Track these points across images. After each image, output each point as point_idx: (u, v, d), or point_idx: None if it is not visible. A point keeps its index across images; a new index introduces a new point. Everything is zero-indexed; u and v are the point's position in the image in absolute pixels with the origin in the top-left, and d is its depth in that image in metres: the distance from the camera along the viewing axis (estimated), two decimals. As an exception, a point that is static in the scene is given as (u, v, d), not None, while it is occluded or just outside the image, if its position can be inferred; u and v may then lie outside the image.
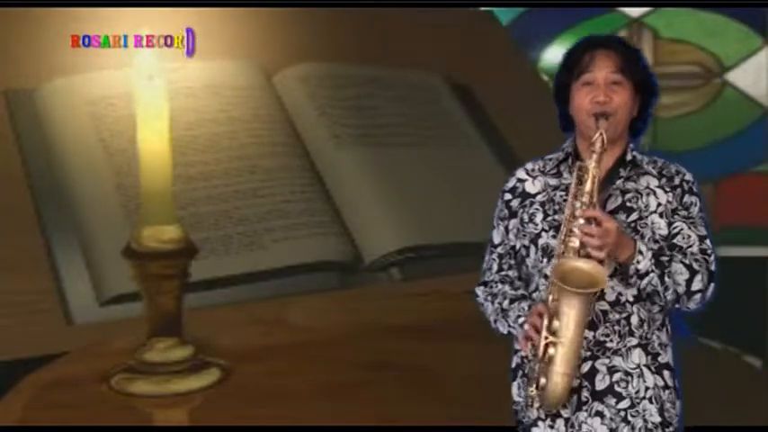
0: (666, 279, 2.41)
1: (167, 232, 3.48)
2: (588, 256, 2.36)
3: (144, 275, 3.48)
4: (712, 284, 2.46)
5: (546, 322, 2.37)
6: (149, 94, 3.43)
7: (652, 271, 2.40)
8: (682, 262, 2.43)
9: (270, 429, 3.26)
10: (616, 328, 2.46)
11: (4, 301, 4.11)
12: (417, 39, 5.47)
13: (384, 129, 5.13)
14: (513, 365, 2.57)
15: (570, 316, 2.35)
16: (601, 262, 2.36)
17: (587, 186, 2.38)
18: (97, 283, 4.28)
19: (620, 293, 2.45)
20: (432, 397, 3.42)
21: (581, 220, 2.36)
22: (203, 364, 3.57)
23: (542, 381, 2.39)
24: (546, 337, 2.37)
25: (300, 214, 4.62)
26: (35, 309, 4.13)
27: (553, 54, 6.68)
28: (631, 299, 2.46)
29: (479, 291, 2.62)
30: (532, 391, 2.42)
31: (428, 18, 5.59)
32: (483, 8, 6.06)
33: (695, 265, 2.43)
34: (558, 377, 2.38)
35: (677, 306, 2.47)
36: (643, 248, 2.40)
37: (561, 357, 2.37)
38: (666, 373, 2.50)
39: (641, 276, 2.41)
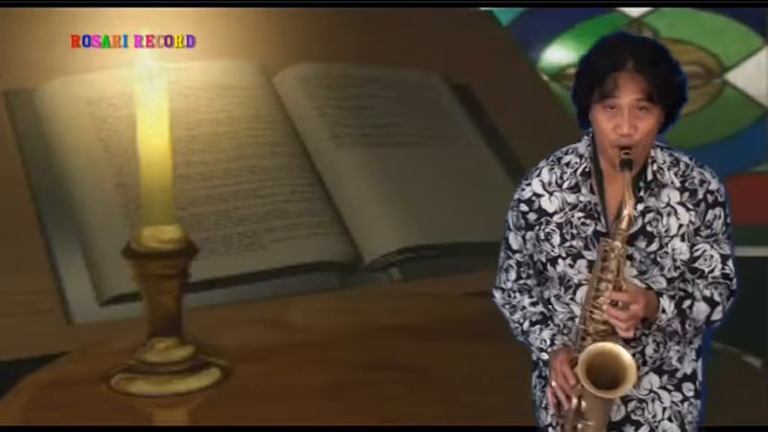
0: (687, 325, 2.36)
1: (167, 232, 3.47)
2: (614, 332, 2.31)
3: (144, 275, 3.48)
4: (731, 300, 2.40)
5: (575, 403, 2.33)
6: (149, 94, 3.42)
7: (674, 320, 2.34)
8: (703, 298, 2.36)
9: (270, 429, 3.26)
10: None
11: (4, 301, 4.11)
12: (417, 39, 5.47)
13: (384, 129, 5.13)
14: (534, 358, 2.52)
15: (597, 403, 2.33)
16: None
17: (612, 265, 2.29)
18: (97, 283, 4.28)
19: (635, 327, 2.36)
20: (432, 397, 3.42)
21: (608, 302, 2.29)
22: (203, 364, 3.57)
23: None
24: (574, 419, 2.34)
25: (300, 214, 4.62)
26: (35, 309, 4.13)
27: (553, 54, 6.68)
28: (646, 331, 2.39)
29: (497, 295, 2.55)
30: None
31: (428, 18, 5.59)
32: (483, 8, 6.06)
33: (716, 296, 2.37)
34: None
35: (695, 333, 2.42)
36: (666, 306, 2.32)
37: None
38: (686, 385, 2.45)
39: (663, 327, 2.36)
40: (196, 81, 4.92)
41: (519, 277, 2.51)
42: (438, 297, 4.35)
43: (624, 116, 2.26)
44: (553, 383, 2.37)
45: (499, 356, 3.62)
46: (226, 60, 5.06)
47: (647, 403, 2.43)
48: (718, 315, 2.38)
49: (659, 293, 2.33)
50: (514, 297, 2.52)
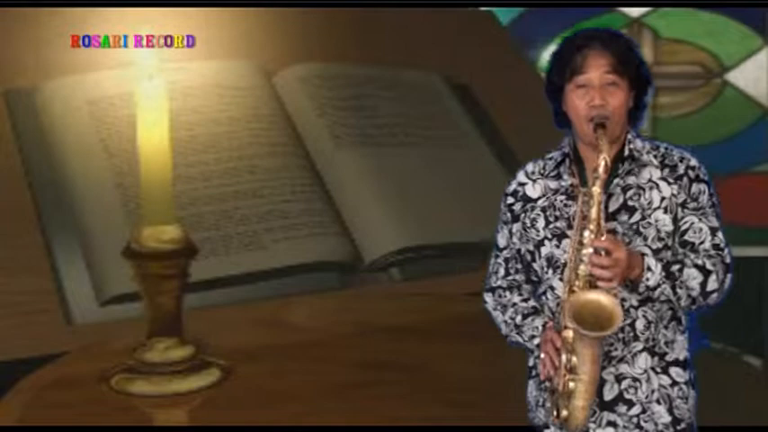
0: (679, 289, 2.38)
1: (167, 232, 3.47)
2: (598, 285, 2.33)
3: (144, 275, 3.48)
4: (729, 276, 2.41)
5: (564, 360, 2.35)
6: (149, 94, 3.42)
7: (663, 283, 2.36)
8: (695, 265, 2.38)
9: (270, 429, 3.26)
10: (620, 335, 2.43)
11: (4, 301, 4.11)
12: (417, 39, 5.47)
13: (384, 129, 5.13)
14: (531, 364, 2.55)
15: (587, 354, 2.35)
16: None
17: (593, 213, 2.35)
18: (97, 283, 4.28)
19: (623, 299, 2.41)
20: (432, 397, 3.42)
21: (590, 250, 2.33)
22: (203, 364, 3.57)
23: (564, 413, 2.39)
24: (565, 374, 2.36)
25: (300, 214, 4.62)
26: (35, 309, 4.13)
27: (553, 54, 6.67)
28: (636, 303, 2.43)
29: (488, 297, 2.60)
30: (554, 421, 2.42)
31: (428, 18, 5.59)
32: (483, 8, 6.06)
33: (708, 265, 2.39)
34: (579, 410, 2.39)
35: (694, 307, 2.42)
36: (652, 264, 2.36)
37: (581, 392, 2.37)
38: (674, 369, 2.47)
39: (652, 290, 2.38)
40: (196, 81, 4.93)
41: (507, 273, 2.57)
42: (438, 297, 4.36)
43: (596, 89, 2.39)
44: (542, 355, 2.41)
45: (499, 357, 3.63)
46: (226, 60, 5.06)
47: (640, 383, 2.45)
48: (713, 284, 2.39)
49: (644, 254, 2.38)
50: (504, 296, 2.56)
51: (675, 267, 2.38)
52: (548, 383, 2.43)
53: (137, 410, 3.48)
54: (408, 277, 4.61)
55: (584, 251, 2.34)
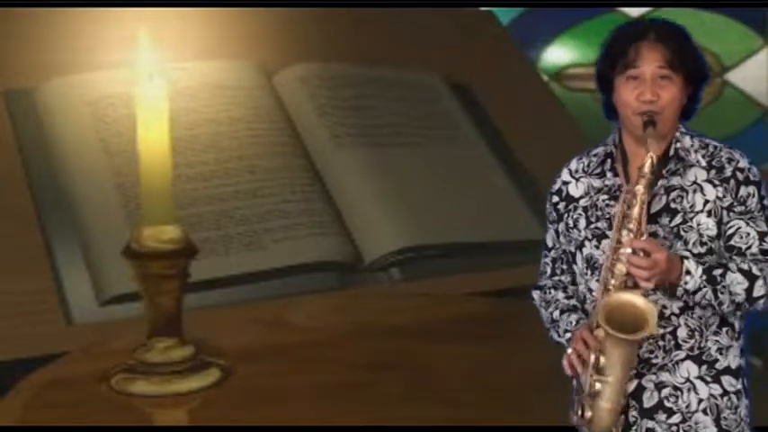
0: (721, 294, 2.30)
1: (167, 232, 3.47)
2: (635, 285, 2.28)
3: (144, 275, 3.48)
4: None
5: (593, 359, 2.30)
6: (149, 94, 3.42)
7: (704, 287, 2.29)
8: (739, 270, 2.30)
9: (270, 429, 3.26)
10: (660, 343, 2.37)
11: (4, 301, 4.11)
12: (417, 38, 5.47)
13: (384, 129, 5.12)
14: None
15: (616, 355, 2.30)
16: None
17: (635, 212, 2.29)
18: (97, 283, 4.28)
19: (663, 306, 2.35)
20: (432, 397, 3.42)
21: (628, 250, 2.27)
22: (203, 364, 3.57)
23: (588, 414, 2.34)
24: (592, 375, 2.31)
25: (300, 214, 4.62)
26: (35, 309, 4.13)
27: (553, 54, 6.68)
28: (677, 311, 2.36)
29: (536, 294, 2.56)
30: (577, 419, 2.37)
31: (428, 18, 5.59)
32: (483, 8, 6.06)
33: (755, 270, 2.31)
34: (605, 412, 2.34)
35: (739, 313, 2.36)
36: (692, 268, 2.29)
37: (608, 394, 2.32)
38: (726, 378, 2.40)
39: (691, 294, 2.30)
40: (196, 81, 4.92)
41: (554, 273, 2.53)
42: (438, 297, 4.35)
43: (647, 84, 2.31)
44: (569, 350, 2.37)
45: (499, 357, 3.63)
46: (226, 60, 5.06)
47: (682, 392, 2.38)
48: (760, 290, 2.31)
49: (684, 257, 2.30)
50: (549, 293, 2.53)
51: (718, 272, 2.30)
52: (573, 382, 2.39)
53: (137, 410, 3.48)
54: (408, 277, 4.60)
55: (623, 251, 2.28)
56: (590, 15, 6.52)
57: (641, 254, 2.27)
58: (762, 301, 2.33)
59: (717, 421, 2.39)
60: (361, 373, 3.61)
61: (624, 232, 2.30)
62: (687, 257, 2.31)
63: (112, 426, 3.35)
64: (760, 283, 2.31)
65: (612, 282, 2.31)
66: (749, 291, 2.31)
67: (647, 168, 2.29)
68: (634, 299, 2.27)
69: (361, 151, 4.93)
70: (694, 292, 2.30)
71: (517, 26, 6.52)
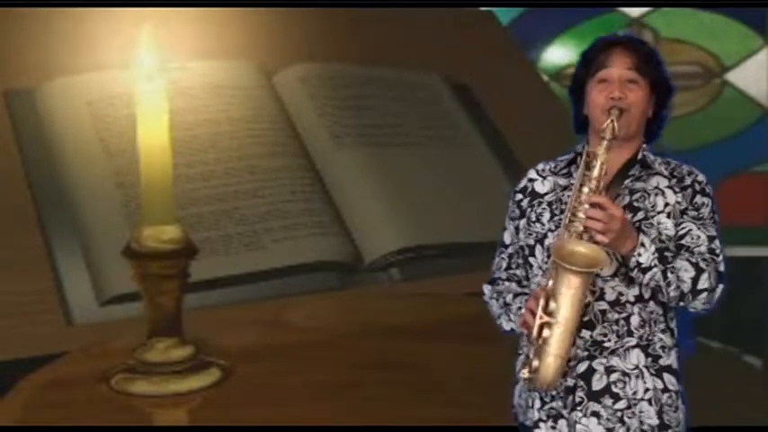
0: (670, 275, 2.39)
1: (167, 232, 3.47)
2: (591, 241, 2.35)
3: (144, 275, 3.48)
4: (721, 285, 2.43)
5: (542, 302, 2.36)
6: (149, 94, 3.43)
7: (655, 265, 2.39)
8: (688, 260, 2.41)
9: (270, 429, 3.26)
10: (614, 327, 2.45)
11: (4, 301, 4.10)
12: (417, 38, 5.47)
13: (384, 129, 5.13)
14: (518, 367, 2.56)
15: (567, 296, 2.35)
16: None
17: (595, 172, 2.39)
18: (97, 283, 4.28)
19: (620, 293, 2.44)
20: (432, 397, 3.42)
21: (586, 205, 2.36)
22: (203, 364, 3.57)
23: (535, 363, 2.37)
24: (541, 317, 2.36)
25: (300, 214, 4.62)
26: (35, 309, 4.13)
27: (553, 54, 6.68)
28: (632, 299, 2.45)
29: (486, 289, 2.63)
30: (525, 374, 2.40)
31: (428, 18, 5.59)
32: (483, 8, 6.06)
33: (702, 264, 2.41)
34: (551, 358, 2.37)
35: (682, 304, 2.43)
36: (646, 241, 2.39)
37: (556, 338, 2.36)
38: (667, 376, 2.48)
39: (643, 270, 2.39)
40: (196, 81, 4.92)
41: (509, 267, 2.61)
42: (438, 297, 4.36)
43: (615, 85, 2.46)
44: (523, 309, 2.43)
45: (499, 357, 3.63)
46: (226, 60, 5.06)
47: (630, 378, 2.46)
48: (704, 284, 2.40)
49: (641, 230, 2.41)
50: (503, 284, 2.60)
51: (669, 254, 2.40)
52: (525, 338, 2.44)
53: (137, 410, 3.48)
54: (408, 277, 4.61)
55: (581, 206, 2.37)
56: (590, 15, 6.52)
57: (598, 209, 2.36)
58: (703, 296, 2.42)
59: (659, 414, 2.47)
60: (360, 373, 3.61)
61: (584, 189, 2.39)
62: (644, 232, 2.42)
63: (112, 426, 3.35)
64: (705, 276, 2.41)
65: (569, 234, 2.39)
66: (695, 281, 2.41)
67: (608, 132, 2.40)
68: (582, 248, 2.34)
69: (361, 151, 4.93)
70: (645, 270, 2.39)
71: (517, 26, 6.52)
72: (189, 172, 4.59)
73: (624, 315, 2.45)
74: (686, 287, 2.41)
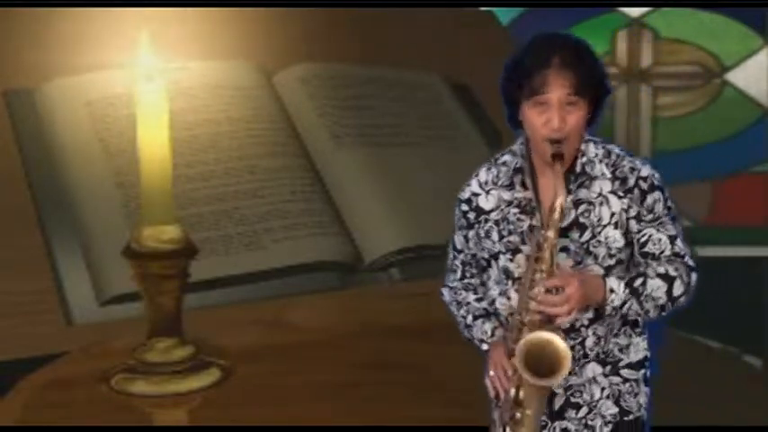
0: (645, 303, 2.36)
1: (167, 232, 3.48)
2: (550, 321, 2.34)
3: (144, 275, 3.48)
4: (693, 275, 2.40)
5: (513, 393, 2.38)
6: (149, 94, 3.43)
7: (628, 300, 2.35)
8: (657, 275, 2.36)
9: (270, 429, 3.26)
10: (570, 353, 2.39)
11: (4, 301, 4.11)
12: (417, 38, 5.47)
13: (384, 129, 5.12)
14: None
15: (533, 391, 2.37)
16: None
17: (546, 255, 2.33)
18: (97, 283, 4.28)
19: (576, 318, 2.39)
20: (432, 397, 3.42)
21: (542, 290, 2.32)
22: (203, 364, 3.57)
23: None
24: (512, 407, 2.39)
25: (300, 214, 4.62)
26: (35, 309, 4.13)
27: (553, 54, 6.65)
28: (586, 322, 2.42)
29: (445, 292, 2.66)
30: None
31: (428, 18, 5.59)
32: (483, 8, 6.06)
33: (671, 271, 2.38)
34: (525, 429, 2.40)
35: (664, 314, 2.41)
36: (614, 285, 2.34)
37: (527, 423, 2.40)
38: (625, 371, 2.47)
39: (619, 309, 2.37)
40: (196, 81, 4.93)
41: (464, 276, 2.61)
42: (438, 297, 4.35)
43: (554, 111, 2.32)
44: (491, 373, 2.44)
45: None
46: (225, 60, 5.06)
47: (585, 386, 2.46)
48: (679, 289, 2.37)
49: (605, 275, 2.36)
50: (460, 294, 2.61)
51: (638, 282, 2.36)
52: (498, 402, 2.46)
53: (137, 410, 3.48)
54: (408, 277, 4.60)
55: (536, 290, 2.33)
56: (590, 15, 6.51)
57: (554, 292, 2.31)
58: (683, 299, 2.40)
59: (617, 402, 2.46)
60: (360, 373, 3.61)
61: (537, 275, 2.34)
62: (607, 276, 2.37)
63: (112, 426, 3.35)
64: (678, 283, 2.37)
65: (526, 319, 2.36)
66: (669, 292, 2.37)
67: (556, 215, 2.32)
68: (553, 339, 2.32)
69: (361, 151, 4.93)
70: (621, 307, 2.36)
71: (517, 26, 6.51)
72: (189, 172, 4.59)
73: (579, 340, 2.43)
74: (663, 301, 2.37)
